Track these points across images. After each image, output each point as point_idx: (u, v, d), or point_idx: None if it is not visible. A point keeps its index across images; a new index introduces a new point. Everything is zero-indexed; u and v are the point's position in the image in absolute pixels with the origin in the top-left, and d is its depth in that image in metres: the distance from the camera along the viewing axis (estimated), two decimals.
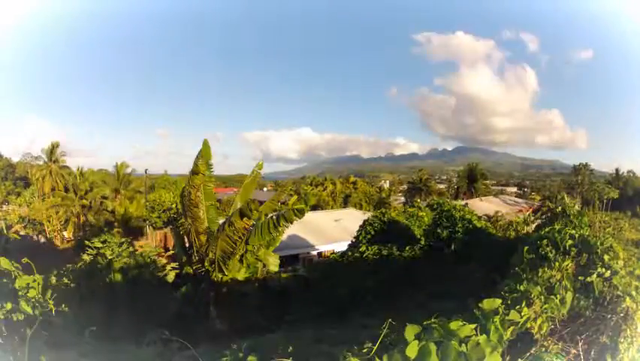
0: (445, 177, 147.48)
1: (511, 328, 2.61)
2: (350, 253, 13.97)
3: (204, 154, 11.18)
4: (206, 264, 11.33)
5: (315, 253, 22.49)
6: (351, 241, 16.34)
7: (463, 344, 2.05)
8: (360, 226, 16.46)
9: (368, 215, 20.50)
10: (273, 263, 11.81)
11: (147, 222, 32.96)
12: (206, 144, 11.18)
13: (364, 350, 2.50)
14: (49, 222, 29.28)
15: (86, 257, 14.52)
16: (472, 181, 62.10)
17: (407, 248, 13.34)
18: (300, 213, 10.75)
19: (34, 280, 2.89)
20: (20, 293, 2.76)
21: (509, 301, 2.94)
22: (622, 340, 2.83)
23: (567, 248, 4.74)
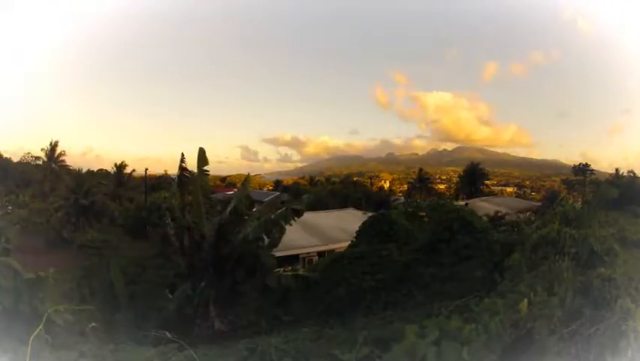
0: (445, 177, 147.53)
1: (511, 328, 2.61)
2: (350, 253, 13.97)
3: (200, 158, 11.48)
4: (205, 263, 11.35)
5: (315, 253, 22.48)
6: (351, 241, 16.34)
7: (464, 345, 2.05)
8: (360, 226, 16.46)
9: (368, 215, 20.50)
10: (271, 263, 11.83)
11: (147, 222, 32.90)
12: (202, 152, 11.62)
13: (365, 351, 2.51)
14: (49, 222, 29.26)
15: (85, 257, 14.52)
16: (472, 181, 62.07)
17: (407, 248, 13.33)
18: (297, 213, 10.84)
19: (35, 280, 2.89)
20: (21, 293, 2.76)
21: (509, 301, 2.94)
22: (622, 340, 2.83)
23: (567, 248, 4.75)
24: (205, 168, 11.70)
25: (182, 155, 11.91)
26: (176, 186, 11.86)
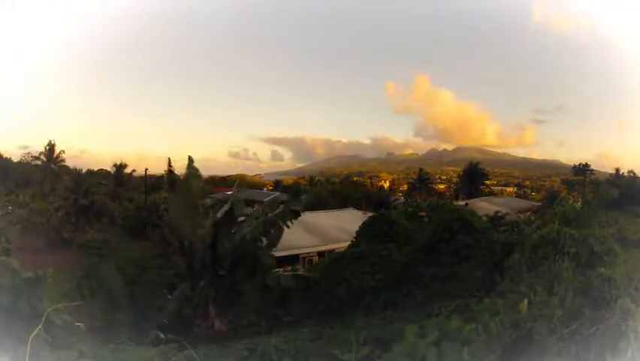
0: (445, 177, 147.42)
1: (512, 328, 2.60)
2: (350, 253, 13.97)
3: (189, 167, 11.60)
4: (204, 263, 11.35)
5: (315, 252, 22.48)
6: (351, 241, 16.34)
7: (464, 345, 2.05)
8: (360, 226, 16.47)
9: (368, 215, 20.51)
10: (270, 263, 11.84)
11: (147, 222, 32.89)
12: (190, 160, 11.71)
13: (365, 351, 2.51)
14: (49, 222, 29.26)
15: (85, 257, 14.51)
16: (472, 181, 62.03)
17: (407, 248, 13.33)
18: (296, 213, 10.86)
19: (34, 279, 2.89)
20: (19, 292, 2.76)
21: (509, 301, 2.94)
22: (622, 340, 2.82)
23: (567, 248, 4.75)
24: (197, 173, 11.79)
25: (169, 160, 11.91)
26: (167, 188, 11.91)
